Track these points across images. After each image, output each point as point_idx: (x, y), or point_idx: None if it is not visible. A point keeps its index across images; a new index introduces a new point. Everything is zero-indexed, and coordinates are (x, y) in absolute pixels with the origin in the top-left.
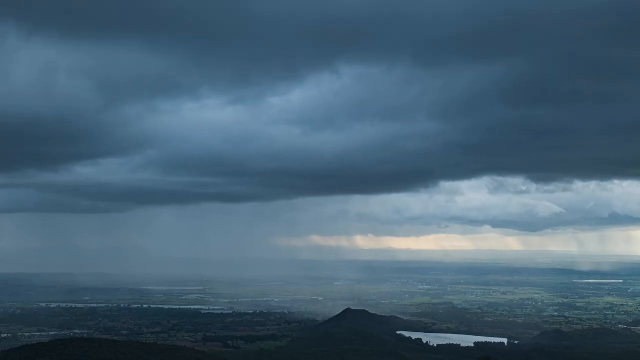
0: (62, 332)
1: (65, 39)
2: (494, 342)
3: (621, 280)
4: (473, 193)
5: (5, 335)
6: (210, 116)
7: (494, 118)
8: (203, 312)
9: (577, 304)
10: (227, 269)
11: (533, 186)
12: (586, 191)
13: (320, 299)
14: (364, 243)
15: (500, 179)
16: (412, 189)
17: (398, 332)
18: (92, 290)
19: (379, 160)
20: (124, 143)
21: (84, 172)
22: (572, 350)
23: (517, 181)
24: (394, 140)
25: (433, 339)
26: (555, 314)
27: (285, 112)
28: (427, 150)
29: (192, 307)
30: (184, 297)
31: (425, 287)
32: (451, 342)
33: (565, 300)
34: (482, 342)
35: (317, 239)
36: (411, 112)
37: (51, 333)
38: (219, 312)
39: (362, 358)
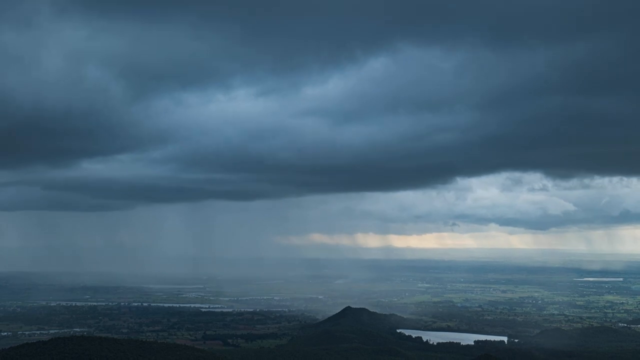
0: (62, 331)
1: (95, 21)
2: (494, 341)
3: (621, 279)
4: (486, 190)
5: (6, 333)
6: (237, 108)
7: (535, 109)
8: (203, 310)
9: (577, 302)
10: (231, 268)
11: (550, 182)
12: (604, 188)
13: (321, 297)
14: (370, 242)
15: (517, 174)
16: (429, 185)
17: (398, 330)
18: (94, 289)
19: (403, 155)
20: (143, 138)
21: (95, 168)
22: (572, 349)
23: (534, 177)
24: (426, 132)
25: (433, 337)
26: (555, 312)
27: (318, 103)
28: (455, 144)
29: (192, 305)
30: (183, 296)
31: (425, 285)
32: (451, 341)
33: (565, 299)
34: (482, 341)
35: (324, 238)
36: (452, 103)
37: (51, 331)
38: (219, 310)
39: (362, 356)
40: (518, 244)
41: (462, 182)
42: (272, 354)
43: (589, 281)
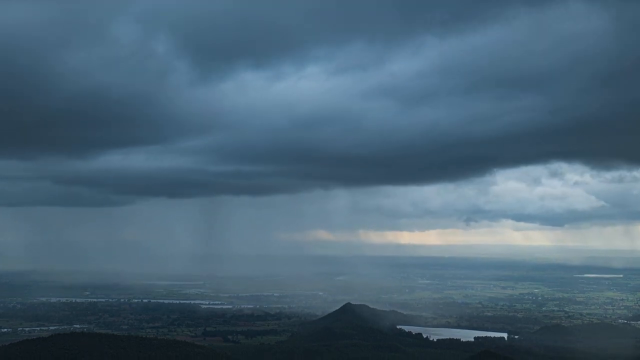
0: (62, 327)
1: None
2: (494, 337)
3: (621, 275)
4: (513, 184)
5: (6, 329)
6: (303, 89)
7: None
8: (203, 306)
9: (577, 299)
10: (237, 265)
11: (588, 174)
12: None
13: (321, 293)
14: (381, 238)
15: (557, 165)
16: (466, 178)
17: (398, 327)
18: (95, 286)
19: (456, 142)
20: (185, 125)
21: (114, 159)
22: (572, 345)
23: (575, 168)
24: (495, 117)
25: (433, 334)
26: (555, 308)
27: (391, 82)
28: (514, 132)
29: (192, 301)
30: (184, 292)
31: (425, 281)
32: (451, 337)
33: (566, 295)
34: (482, 337)
35: (331, 234)
36: (544, 82)
37: (51, 328)
38: (219, 306)
39: (362, 352)
40: (542, 241)
41: (499, 174)
42: (272, 350)
43: (588, 277)
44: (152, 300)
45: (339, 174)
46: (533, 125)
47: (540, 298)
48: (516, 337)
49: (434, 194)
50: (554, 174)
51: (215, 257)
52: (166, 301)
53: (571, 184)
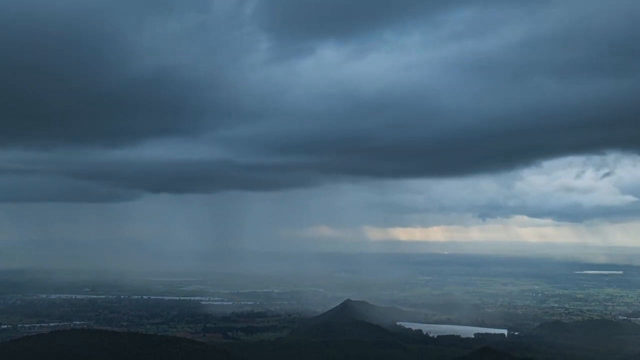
0: (62, 324)
1: None
2: (494, 333)
3: (621, 272)
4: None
5: (6, 326)
6: (366, 67)
7: None
8: (203, 303)
9: (577, 295)
10: (245, 263)
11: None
12: None
13: (321, 290)
14: (386, 234)
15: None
16: (510, 170)
17: (398, 323)
18: (96, 283)
19: (522, 130)
20: (234, 112)
21: (141, 151)
22: (572, 342)
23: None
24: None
25: (433, 330)
26: (556, 305)
27: (477, 57)
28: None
29: (192, 298)
30: (183, 289)
31: (425, 277)
32: (451, 333)
33: (566, 292)
34: (482, 333)
35: (335, 231)
36: None
37: (51, 324)
38: (219, 303)
39: (361, 349)
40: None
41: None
42: (272, 346)
43: (588, 274)
44: (152, 297)
45: (374, 167)
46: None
47: (540, 295)
48: (516, 333)
49: (462, 187)
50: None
51: (224, 255)
52: (166, 298)
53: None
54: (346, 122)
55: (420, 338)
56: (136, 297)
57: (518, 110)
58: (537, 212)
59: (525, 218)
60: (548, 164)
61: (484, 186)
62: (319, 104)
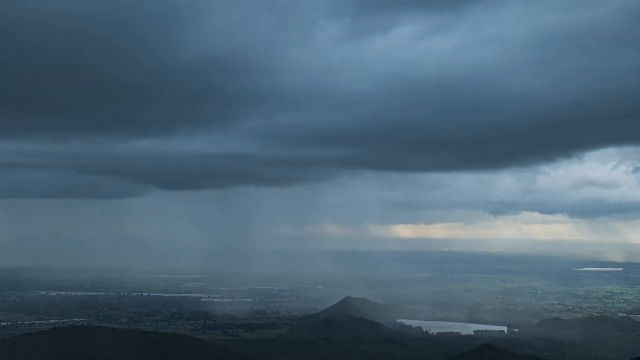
0: (62, 321)
1: None
2: (494, 331)
3: (621, 269)
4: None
5: (6, 323)
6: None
7: None
8: (203, 300)
9: (577, 292)
10: (255, 262)
11: None
12: None
13: (321, 287)
14: (395, 232)
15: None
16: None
17: (398, 321)
18: (96, 280)
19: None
20: (279, 100)
21: (166, 144)
22: (572, 339)
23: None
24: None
25: (433, 327)
26: (555, 302)
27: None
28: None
29: (192, 295)
30: (184, 286)
31: (426, 275)
32: (451, 331)
33: (566, 289)
34: (482, 330)
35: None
36: None
37: (51, 321)
38: (219, 300)
39: (362, 346)
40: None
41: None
42: (272, 343)
43: (589, 271)
44: (152, 294)
45: (404, 159)
46: None
47: (540, 292)
48: (516, 330)
49: (478, 182)
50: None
51: (230, 254)
52: (166, 295)
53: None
54: (394, 111)
55: (420, 335)
56: (136, 294)
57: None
58: (552, 208)
59: (537, 215)
60: (591, 156)
61: (504, 181)
62: (372, 89)
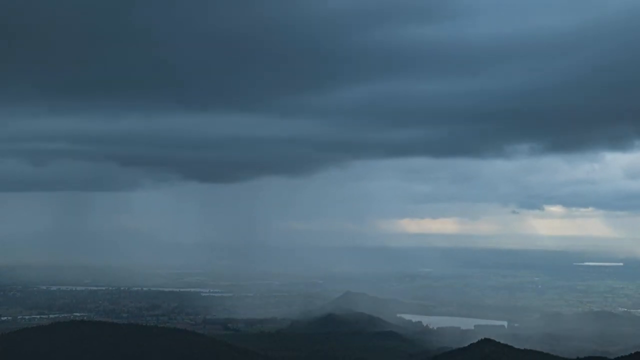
0: (62, 315)
1: None
2: (494, 325)
3: (621, 264)
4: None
5: (5, 318)
6: None
7: None
8: (203, 294)
9: (578, 287)
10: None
11: None
12: None
13: (321, 281)
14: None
15: None
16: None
17: (398, 315)
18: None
19: None
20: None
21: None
22: (572, 333)
23: None
24: None
25: (433, 322)
26: (556, 296)
27: None
28: None
29: (192, 289)
30: (184, 280)
31: (426, 270)
32: (451, 325)
33: (566, 283)
34: (482, 325)
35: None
36: None
37: (51, 316)
38: (219, 294)
39: (362, 340)
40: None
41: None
42: (273, 338)
43: (589, 266)
44: (152, 289)
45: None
46: None
47: (540, 286)
48: (516, 325)
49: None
50: None
51: (250, 251)
52: (166, 289)
53: None
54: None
55: (421, 329)
56: (136, 288)
57: None
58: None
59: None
60: None
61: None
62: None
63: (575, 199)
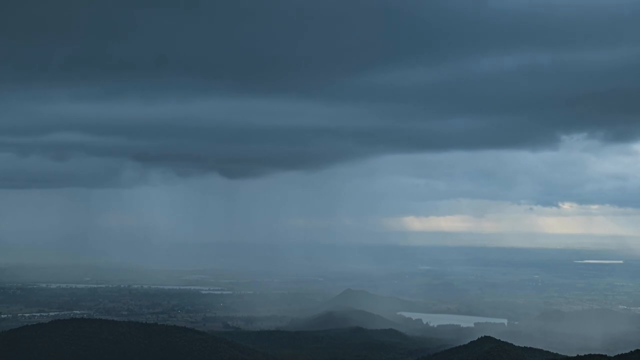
0: (62, 313)
1: None
2: (494, 323)
3: (621, 261)
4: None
5: (5, 315)
6: None
7: None
8: (203, 292)
9: (578, 285)
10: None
11: None
12: None
13: (320, 279)
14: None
15: None
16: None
17: (398, 313)
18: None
19: None
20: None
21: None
22: (572, 331)
23: None
24: None
25: (433, 320)
26: (556, 294)
27: None
28: None
29: (193, 287)
30: (184, 278)
31: (425, 267)
32: (451, 323)
33: (566, 281)
34: (482, 323)
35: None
36: None
37: (51, 313)
38: (219, 292)
39: (362, 338)
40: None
41: None
42: (273, 336)
43: (589, 264)
44: (152, 286)
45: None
46: None
47: (540, 284)
48: (516, 323)
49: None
50: None
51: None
52: (166, 287)
53: None
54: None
55: (421, 327)
56: (136, 286)
57: None
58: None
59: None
60: None
61: None
62: None
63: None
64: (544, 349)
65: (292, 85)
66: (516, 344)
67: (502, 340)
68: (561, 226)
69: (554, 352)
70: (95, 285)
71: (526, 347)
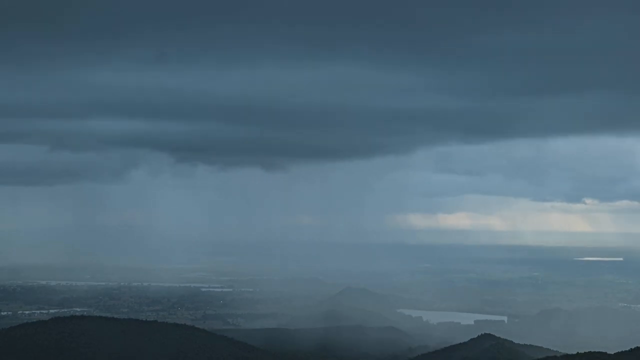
0: (62, 310)
1: None
2: (494, 320)
3: (621, 259)
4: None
5: (5, 313)
6: None
7: None
8: (203, 290)
9: (578, 282)
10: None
11: None
12: None
13: (321, 277)
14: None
15: None
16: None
17: (398, 310)
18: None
19: None
20: None
21: None
22: (571, 328)
23: None
24: None
25: (433, 317)
26: (556, 292)
27: None
28: None
29: (193, 285)
30: (184, 275)
31: (425, 265)
32: (451, 320)
33: (566, 279)
34: (482, 320)
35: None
36: None
37: (51, 311)
38: (219, 290)
39: (362, 335)
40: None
41: None
42: (273, 333)
43: (589, 261)
44: (152, 284)
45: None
46: None
47: (540, 281)
48: (516, 320)
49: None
50: None
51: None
52: (166, 284)
53: None
54: None
55: (420, 325)
56: (136, 284)
57: None
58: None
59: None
60: None
61: None
62: None
63: None
64: (544, 347)
65: None
66: (516, 342)
67: (502, 337)
68: (563, 223)
69: (554, 349)
70: (95, 283)
71: (526, 345)
